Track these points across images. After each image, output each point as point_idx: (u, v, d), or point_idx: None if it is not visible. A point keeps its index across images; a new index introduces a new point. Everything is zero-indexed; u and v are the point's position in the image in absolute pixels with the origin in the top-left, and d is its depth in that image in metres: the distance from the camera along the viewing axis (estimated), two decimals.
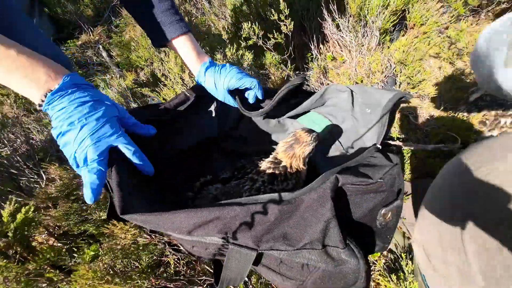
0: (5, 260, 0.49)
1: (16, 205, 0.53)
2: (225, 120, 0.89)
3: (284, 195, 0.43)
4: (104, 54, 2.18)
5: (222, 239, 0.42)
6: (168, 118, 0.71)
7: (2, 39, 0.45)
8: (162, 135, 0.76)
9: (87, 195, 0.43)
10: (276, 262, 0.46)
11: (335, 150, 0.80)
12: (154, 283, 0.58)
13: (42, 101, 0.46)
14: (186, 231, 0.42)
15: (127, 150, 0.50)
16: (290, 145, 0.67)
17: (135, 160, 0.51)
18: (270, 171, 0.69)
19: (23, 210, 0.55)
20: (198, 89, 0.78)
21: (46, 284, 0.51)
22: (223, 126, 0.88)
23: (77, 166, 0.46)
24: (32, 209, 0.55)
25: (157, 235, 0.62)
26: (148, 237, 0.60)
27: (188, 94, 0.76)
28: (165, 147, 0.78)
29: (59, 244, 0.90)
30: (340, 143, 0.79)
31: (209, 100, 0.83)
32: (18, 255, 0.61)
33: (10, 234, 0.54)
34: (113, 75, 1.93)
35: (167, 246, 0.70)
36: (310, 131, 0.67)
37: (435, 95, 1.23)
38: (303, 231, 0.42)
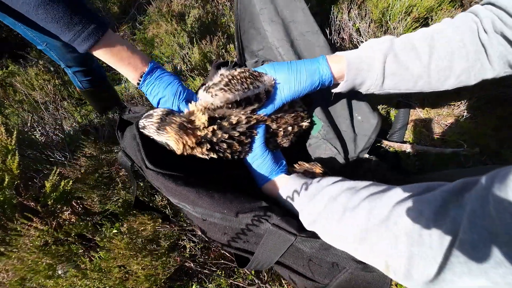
0: (46, 226, 0.54)
1: (57, 177, 0.58)
2: None
3: None
4: None
5: (264, 219, 0.44)
6: None
7: (121, 40, 0.64)
8: None
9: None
10: (303, 261, 0.47)
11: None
12: (178, 261, 0.61)
13: (140, 80, 0.66)
14: (235, 212, 0.44)
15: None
16: None
17: None
18: None
19: (62, 183, 0.60)
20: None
21: (82, 251, 0.55)
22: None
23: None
24: (70, 183, 0.60)
25: (176, 224, 0.65)
26: (168, 226, 0.63)
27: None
28: None
29: (81, 224, 0.95)
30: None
31: None
32: (51, 226, 0.66)
33: (50, 203, 0.58)
34: None
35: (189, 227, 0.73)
36: None
37: (454, 103, 1.22)
38: None
